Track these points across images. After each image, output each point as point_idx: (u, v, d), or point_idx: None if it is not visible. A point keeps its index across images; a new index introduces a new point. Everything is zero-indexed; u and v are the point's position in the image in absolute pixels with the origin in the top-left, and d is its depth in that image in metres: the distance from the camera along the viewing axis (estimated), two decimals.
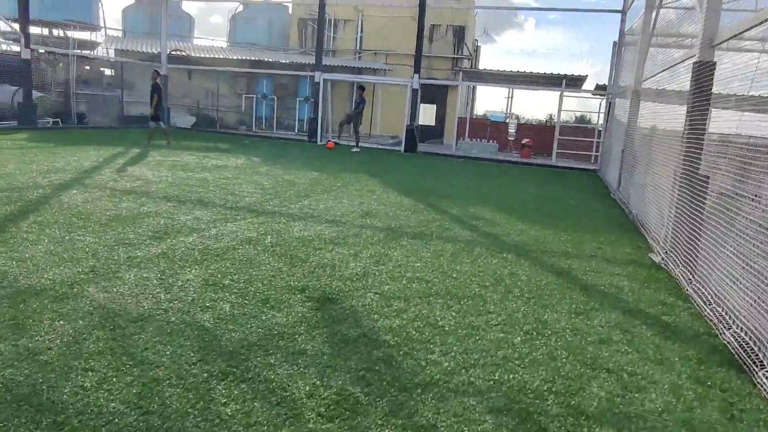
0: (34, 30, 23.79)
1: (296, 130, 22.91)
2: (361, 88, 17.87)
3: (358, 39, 24.35)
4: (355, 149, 17.36)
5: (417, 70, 17.72)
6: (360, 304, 3.96)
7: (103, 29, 25.32)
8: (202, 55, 21.83)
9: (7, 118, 16.76)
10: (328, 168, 11.96)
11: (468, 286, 4.59)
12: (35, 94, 16.97)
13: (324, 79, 18.82)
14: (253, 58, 22.20)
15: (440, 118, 24.88)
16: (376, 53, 24.17)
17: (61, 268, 4.24)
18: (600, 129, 20.16)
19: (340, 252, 5.29)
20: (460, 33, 23.63)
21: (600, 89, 18.40)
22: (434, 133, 24.59)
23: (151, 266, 4.43)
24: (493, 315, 3.95)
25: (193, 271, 4.40)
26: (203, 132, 20.64)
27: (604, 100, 18.97)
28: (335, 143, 18.91)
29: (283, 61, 22.71)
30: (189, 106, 23.25)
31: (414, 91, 17.77)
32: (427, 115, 27.68)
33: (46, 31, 24.39)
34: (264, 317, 3.59)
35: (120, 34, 26.66)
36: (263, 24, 26.39)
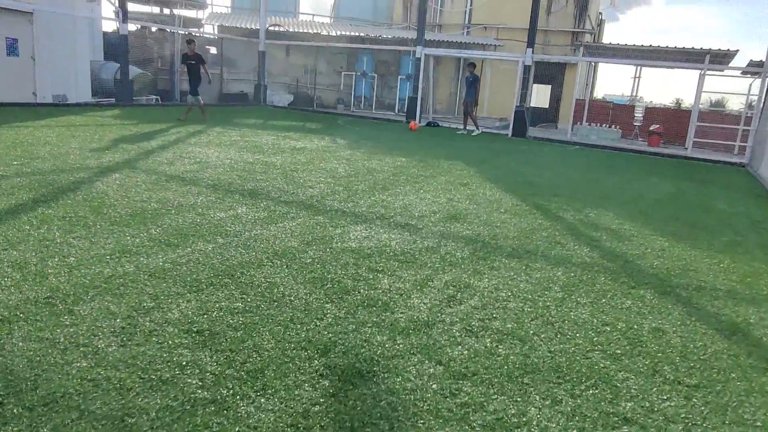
0: (143, 9, 24.15)
1: (396, 110, 21.56)
2: (472, 65, 16.09)
3: (467, 12, 22.43)
4: (463, 131, 15.75)
5: (531, 44, 15.63)
6: (407, 387, 2.47)
7: (210, 7, 25.24)
8: (302, 30, 20.95)
9: (110, 95, 16.79)
10: (419, 153, 10.46)
11: (587, 353, 2.95)
12: (134, 71, 16.83)
13: (426, 55, 17.23)
14: (353, 34, 21.03)
15: (555, 99, 22.45)
16: (486, 27, 22.15)
17: (11, 290, 3.11)
18: (749, 114, 16.99)
19: (403, 277, 3.82)
20: (582, 3, 21.01)
21: (755, 66, 15.34)
22: (548, 116, 22.25)
23: (129, 293, 3.20)
24: (631, 430, 2.31)
25: (184, 303, 3.12)
26: (299, 110, 19.83)
27: (758, 81, 15.84)
28: (432, 124, 17.37)
29: (385, 36, 21.33)
30: (288, 84, 22.60)
31: (526, 68, 15.73)
32: (540, 96, 25.37)
33: (156, 10, 24.70)
34: (241, 412, 2.20)
35: (228, 11, 26.57)
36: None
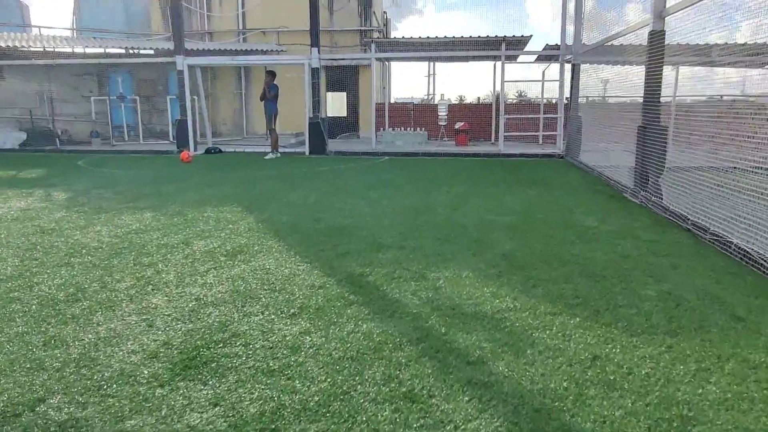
0: None
1: (171, 138, 17.77)
2: (271, 73, 13.07)
3: (240, 16, 19.39)
4: (269, 155, 12.70)
5: (315, 43, 13.14)
6: None
7: None
8: (24, 47, 16.10)
9: None
10: (178, 199, 7.24)
11: None
12: None
13: (191, 67, 13.86)
14: (95, 49, 16.81)
15: (353, 107, 20.45)
16: (264, 32, 19.32)
17: None
18: (552, 102, 16.45)
19: None
20: (366, 1, 19.20)
21: (550, 49, 14.57)
22: (348, 125, 20.17)
23: None
24: None
25: None
26: (32, 151, 15.12)
27: (555, 66, 15.20)
28: (213, 151, 14.11)
29: (142, 50, 17.45)
30: (19, 118, 17.51)
31: (314, 71, 13.20)
32: (336, 104, 23.44)
33: None
34: None
35: None
36: (117, 5, 20.87)
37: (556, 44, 13.95)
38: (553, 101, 15.50)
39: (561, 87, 13.84)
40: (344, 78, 19.30)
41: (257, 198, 7.35)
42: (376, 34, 19.09)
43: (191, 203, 6.96)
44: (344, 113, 21.32)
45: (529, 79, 17.94)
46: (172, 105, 17.86)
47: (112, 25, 20.27)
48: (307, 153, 13.35)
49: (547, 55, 14.84)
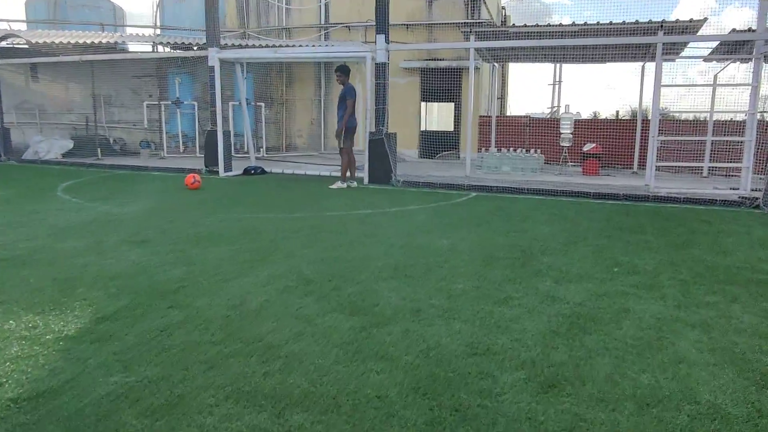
0: None
1: (233, 150, 14.97)
2: (342, 70, 9.25)
3: (322, 9, 16.27)
4: (337, 184, 9.21)
5: (381, 29, 9.43)
6: None
7: None
8: (76, 42, 14.02)
9: None
10: (4, 289, 3.86)
11: None
12: None
13: (224, 61, 10.78)
14: (132, 48, 14.44)
15: (458, 119, 16.66)
16: (349, 28, 16.03)
17: None
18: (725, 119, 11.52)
19: None
20: None
21: (739, 34, 9.68)
22: (452, 141, 16.32)
23: None
24: None
25: None
26: (69, 165, 12.90)
27: (740, 65, 10.31)
28: (253, 171, 10.94)
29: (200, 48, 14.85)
30: (75, 125, 15.62)
31: (379, 68, 9.49)
32: (442, 117, 19.84)
33: None
34: None
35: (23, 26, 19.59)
36: (197, 3, 18.73)
37: (750, 28, 9.12)
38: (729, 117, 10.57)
39: (754, 94, 8.98)
40: (448, 85, 15.45)
41: (152, 294, 3.76)
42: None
43: (24, 297, 3.52)
44: (451, 127, 17.61)
45: (688, 83, 12.41)
46: (236, 112, 15.08)
47: (193, 23, 18.13)
48: (365, 181, 9.66)
49: (731, 46, 9.96)
